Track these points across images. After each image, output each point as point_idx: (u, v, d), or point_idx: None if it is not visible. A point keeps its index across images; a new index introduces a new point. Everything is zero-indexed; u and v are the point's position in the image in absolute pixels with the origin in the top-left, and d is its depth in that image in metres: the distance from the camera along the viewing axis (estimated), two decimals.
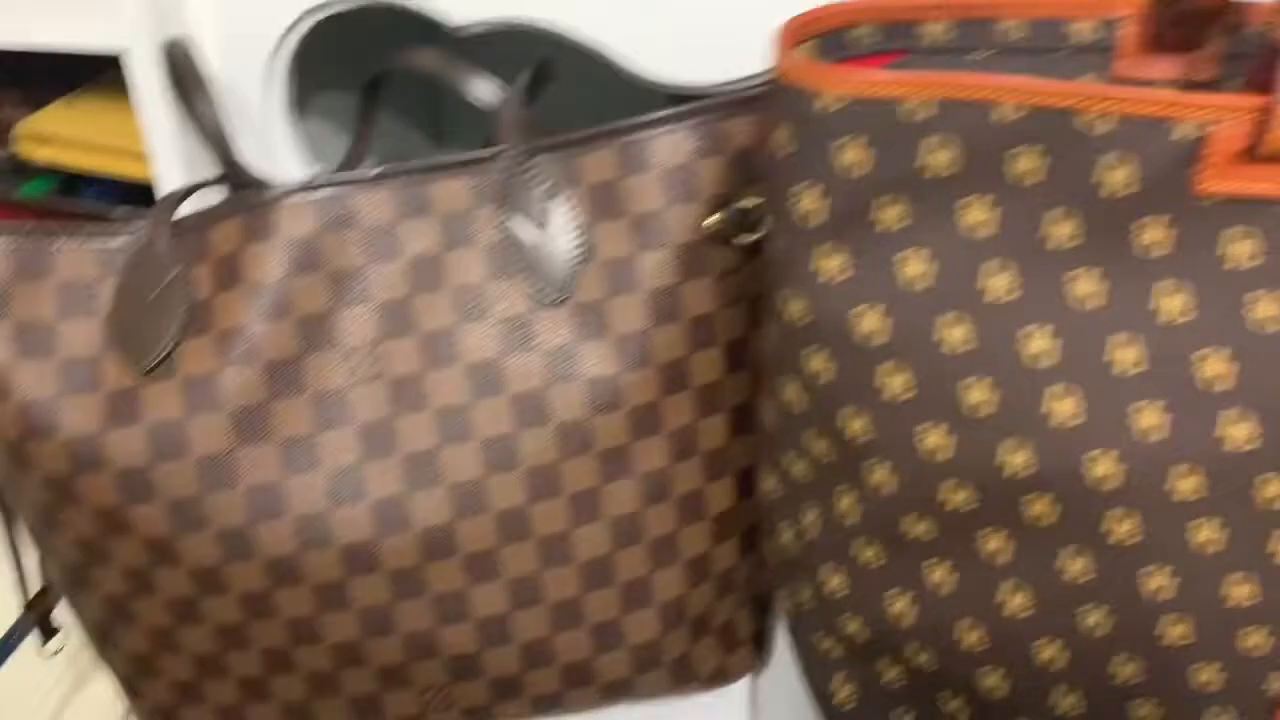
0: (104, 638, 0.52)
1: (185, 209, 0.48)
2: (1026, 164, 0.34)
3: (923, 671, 0.43)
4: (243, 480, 0.46)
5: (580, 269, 0.45)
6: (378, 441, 0.46)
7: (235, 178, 0.50)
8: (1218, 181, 0.33)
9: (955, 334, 0.36)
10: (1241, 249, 0.34)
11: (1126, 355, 0.35)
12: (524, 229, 0.46)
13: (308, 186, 0.46)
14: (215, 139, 0.50)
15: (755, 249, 0.45)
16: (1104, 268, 0.35)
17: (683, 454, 0.48)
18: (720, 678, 0.55)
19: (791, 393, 0.40)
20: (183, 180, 0.54)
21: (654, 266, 0.45)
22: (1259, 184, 0.33)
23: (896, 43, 0.38)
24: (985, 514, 0.38)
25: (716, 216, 0.45)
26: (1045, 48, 0.38)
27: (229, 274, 0.46)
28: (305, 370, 0.46)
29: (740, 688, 0.60)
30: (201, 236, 0.47)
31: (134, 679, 0.53)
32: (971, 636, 0.40)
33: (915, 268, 0.36)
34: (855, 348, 0.37)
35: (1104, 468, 0.36)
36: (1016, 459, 0.36)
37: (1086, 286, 0.35)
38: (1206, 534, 0.36)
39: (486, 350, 0.46)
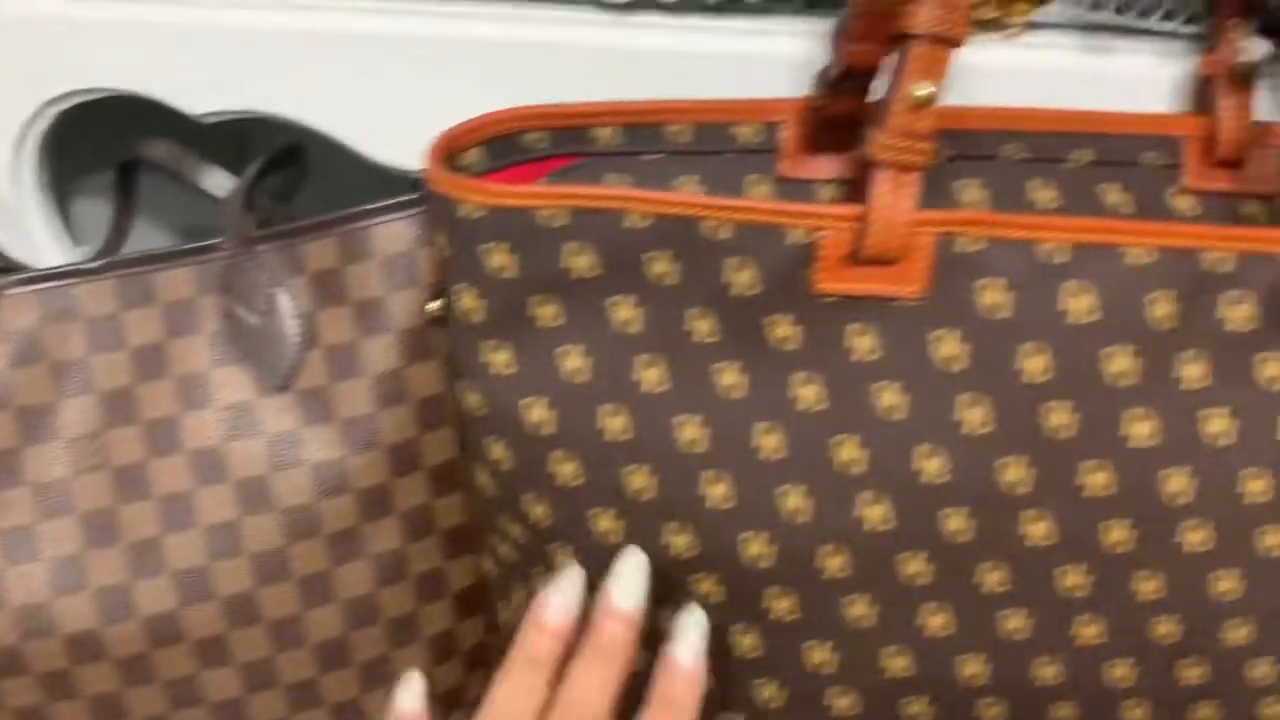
0: None
1: None
2: (661, 267, 0.36)
3: None
4: None
5: (303, 356, 0.46)
6: (100, 531, 0.46)
7: None
8: (832, 282, 0.35)
9: (615, 423, 0.38)
10: (863, 342, 0.36)
11: (769, 442, 0.37)
12: (247, 317, 0.46)
13: (29, 279, 0.46)
14: None
15: None
16: (744, 361, 0.37)
17: (418, 534, 0.48)
18: None
19: (483, 479, 0.41)
20: None
21: (378, 351, 0.46)
22: (866, 284, 0.35)
23: (568, 147, 0.40)
24: (658, 592, 0.39)
25: (439, 302, 0.46)
26: (712, 150, 0.40)
27: None
28: (24, 461, 0.46)
29: None
30: None
31: None
32: None
33: (574, 361, 0.37)
34: (527, 437, 0.38)
35: (756, 548, 0.38)
36: (680, 541, 0.38)
37: (730, 378, 0.37)
38: (859, 609, 0.38)
39: (210, 437, 0.46)
